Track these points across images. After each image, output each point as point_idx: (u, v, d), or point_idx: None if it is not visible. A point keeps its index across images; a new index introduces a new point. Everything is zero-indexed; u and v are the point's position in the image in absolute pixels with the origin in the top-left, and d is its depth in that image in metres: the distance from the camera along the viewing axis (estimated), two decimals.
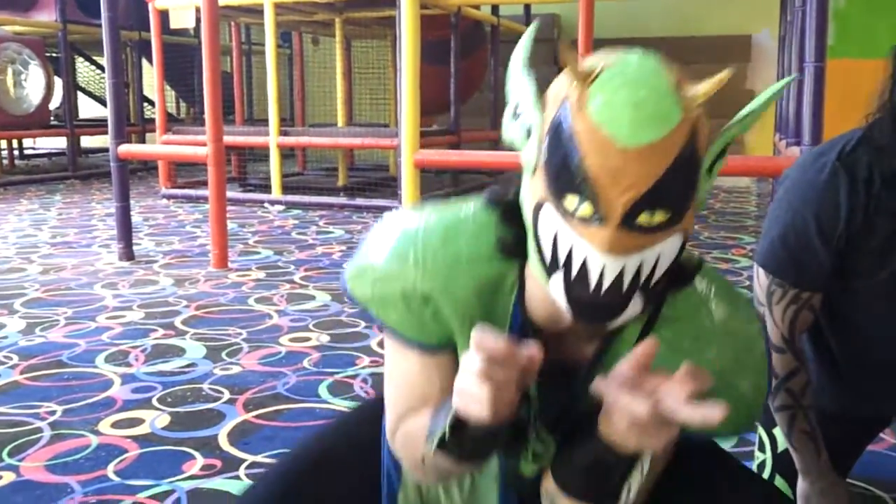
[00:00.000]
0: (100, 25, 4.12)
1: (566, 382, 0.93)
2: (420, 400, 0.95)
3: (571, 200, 0.76)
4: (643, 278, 0.78)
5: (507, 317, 0.92)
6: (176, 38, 8.13)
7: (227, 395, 2.28)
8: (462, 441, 0.82)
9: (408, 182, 3.61)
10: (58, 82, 8.68)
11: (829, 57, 3.05)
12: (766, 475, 1.44)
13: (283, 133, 6.10)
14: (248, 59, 9.55)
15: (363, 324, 2.98)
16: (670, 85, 0.76)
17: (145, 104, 9.30)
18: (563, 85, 0.80)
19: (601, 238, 0.75)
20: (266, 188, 6.39)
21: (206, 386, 2.35)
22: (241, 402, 2.22)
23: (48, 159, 10.31)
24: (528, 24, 8.04)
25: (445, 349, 0.94)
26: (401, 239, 0.93)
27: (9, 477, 1.79)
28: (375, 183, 6.79)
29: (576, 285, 0.79)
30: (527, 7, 8.06)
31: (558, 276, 0.80)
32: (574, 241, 0.77)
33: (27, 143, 10.51)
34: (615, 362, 0.79)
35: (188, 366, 2.52)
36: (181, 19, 6.42)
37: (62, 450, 1.93)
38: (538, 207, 0.80)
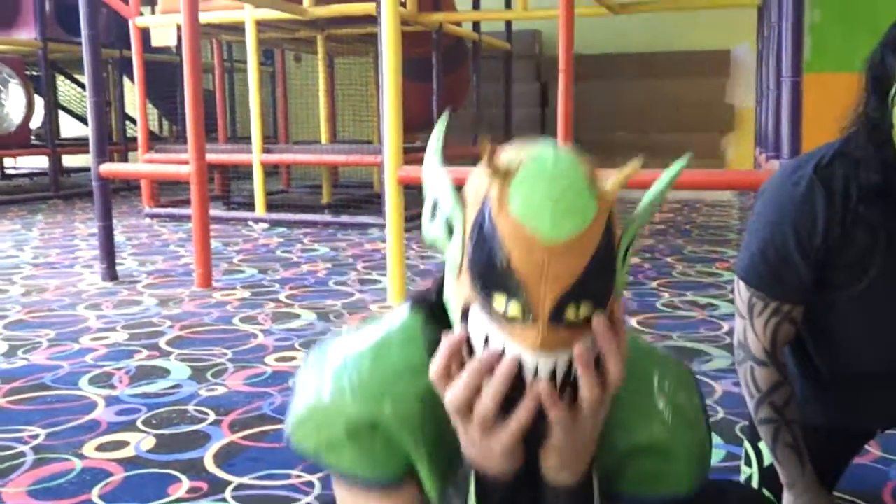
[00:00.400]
0: (80, 43, 4.11)
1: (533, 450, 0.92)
2: None
3: (499, 300, 0.76)
4: (574, 375, 0.78)
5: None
6: (157, 56, 8.12)
7: (212, 416, 2.27)
8: None
9: (392, 198, 3.61)
10: (39, 101, 8.63)
11: (805, 71, 3.10)
12: None
13: (267, 150, 6.10)
14: (230, 76, 9.55)
15: None
16: (585, 179, 0.77)
17: (127, 122, 9.27)
18: (481, 181, 0.79)
19: (532, 337, 0.75)
20: (250, 206, 6.37)
21: (191, 407, 2.33)
22: (227, 424, 2.21)
23: (30, 179, 10.23)
24: (509, 40, 8.10)
25: (407, 482, 0.91)
26: (331, 374, 0.90)
27: None
28: (360, 200, 6.79)
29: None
30: (508, 23, 8.12)
31: None
32: (506, 343, 0.77)
33: (8, 162, 10.43)
34: None
35: (173, 387, 2.51)
36: (162, 37, 6.42)
37: (45, 474, 1.91)
38: (465, 309, 0.80)
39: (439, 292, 0.88)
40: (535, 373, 0.76)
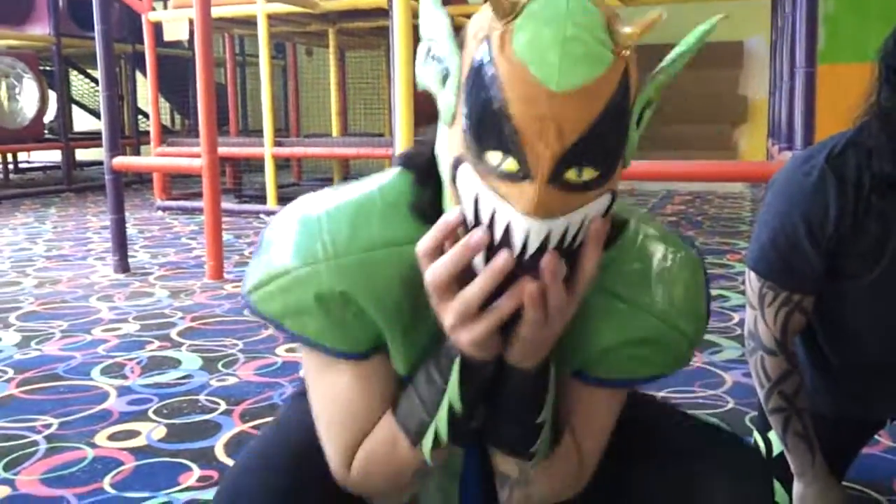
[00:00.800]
0: (93, 38, 4.12)
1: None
2: (365, 419, 0.87)
3: (493, 156, 0.69)
4: (567, 243, 0.71)
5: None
6: (170, 51, 8.15)
7: (223, 406, 2.28)
8: (471, 395, 0.81)
9: None
10: (52, 96, 8.68)
11: (819, 62, 3.08)
12: None
13: (278, 144, 6.11)
14: (242, 70, 9.57)
15: None
16: (601, 22, 0.69)
17: (139, 117, 9.31)
18: (483, 21, 0.71)
19: (526, 198, 0.68)
20: (261, 199, 6.39)
21: (202, 397, 2.35)
22: (238, 413, 2.22)
23: (43, 173, 10.30)
24: None
25: (377, 353, 0.86)
26: (302, 233, 0.83)
27: (4, 491, 1.78)
28: None
29: (497, 252, 0.72)
30: None
31: None
32: (496, 204, 0.70)
33: (22, 156, 10.50)
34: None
35: (184, 377, 2.52)
36: (175, 31, 6.44)
37: (58, 463, 1.92)
38: (456, 164, 0.72)
39: (432, 151, 0.80)
40: (525, 239, 0.70)
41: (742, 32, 8.55)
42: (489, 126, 0.68)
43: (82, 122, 10.94)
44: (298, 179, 8.46)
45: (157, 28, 6.52)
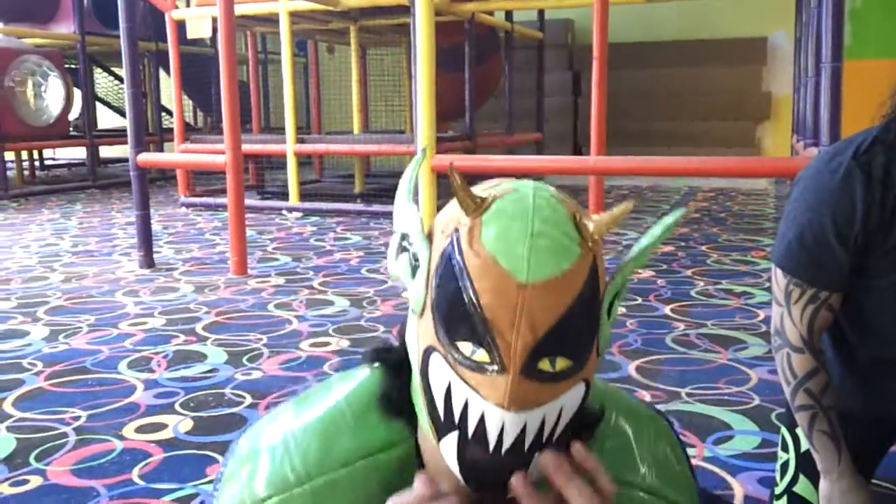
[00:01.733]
0: (118, 36, 4.17)
1: None
2: None
3: (465, 346, 0.67)
4: (545, 436, 0.69)
5: None
6: (193, 48, 8.21)
7: (248, 399, 2.30)
8: None
9: (425, 187, 3.63)
10: (77, 94, 8.78)
11: (845, 57, 3.04)
12: (789, 475, 1.44)
13: (300, 141, 6.14)
14: (264, 67, 9.63)
15: (382, 328, 2.99)
16: (568, 215, 0.70)
17: (163, 114, 9.39)
18: (451, 215, 0.72)
19: (500, 390, 0.66)
20: (283, 196, 6.43)
21: (227, 391, 2.37)
22: (263, 406, 2.24)
23: (68, 169, 10.42)
24: (541, 29, 8.06)
25: None
26: (270, 461, 0.78)
27: (36, 481, 1.81)
28: (392, 189, 6.80)
29: (472, 446, 0.69)
30: (540, 12, 8.08)
31: (452, 437, 0.70)
32: (469, 395, 0.68)
33: (47, 153, 10.63)
34: None
35: (210, 371, 2.55)
36: (198, 29, 6.49)
37: (87, 454, 1.95)
38: (427, 354, 0.71)
39: (402, 345, 0.78)
40: (500, 432, 0.67)
41: (766, 28, 8.48)
42: (459, 317, 0.67)
43: (106, 119, 11.06)
44: (320, 176, 8.50)
45: (181, 26, 6.57)
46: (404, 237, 0.76)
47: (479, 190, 0.73)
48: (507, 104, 7.54)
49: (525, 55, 8.12)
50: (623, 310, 3.21)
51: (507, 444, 0.68)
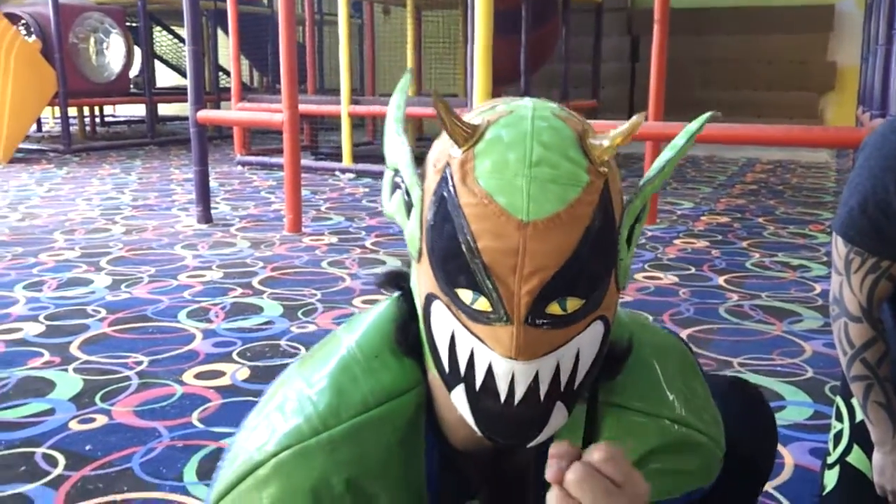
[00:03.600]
0: None
1: (518, 492, 0.80)
2: None
3: (464, 293, 0.61)
4: (563, 382, 0.63)
5: (423, 452, 0.76)
6: (250, 8, 8.27)
7: (303, 351, 2.35)
8: None
9: None
10: (137, 51, 8.92)
11: None
12: (843, 445, 1.43)
13: (355, 102, 6.16)
14: (319, 29, 9.65)
15: None
16: (573, 137, 0.62)
17: (220, 74, 9.50)
18: (444, 147, 0.65)
19: (505, 340, 0.61)
20: (337, 157, 6.48)
21: (283, 342, 2.43)
22: None
23: (127, 126, 10.64)
24: None
25: None
26: (280, 417, 0.74)
27: (102, 420, 1.89)
28: None
29: (482, 398, 0.64)
30: None
31: (460, 390, 0.65)
32: (474, 345, 0.62)
33: (108, 110, 10.85)
34: None
35: (265, 323, 2.61)
36: None
37: (149, 397, 2.03)
38: (428, 302, 0.65)
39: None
40: (511, 384, 0.62)
41: None
42: (457, 262, 0.61)
43: (164, 77, 11.22)
44: (372, 139, 8.53)
45: None
46: (396, 172, 0.70)
47: (473, 115, 0.67)
48: (564, 69, 7.45)
49: (582, 19, 7.99)
50: (675, 278, 3.18)
51: (518, 394, 0.62)
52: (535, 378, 0.62)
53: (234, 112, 6.08)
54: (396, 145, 0.70)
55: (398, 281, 0.77)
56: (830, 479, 1.41)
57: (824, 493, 1.42)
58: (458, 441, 0.76)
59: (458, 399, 0.66)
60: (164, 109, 10.50)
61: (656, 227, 4.23)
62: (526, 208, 0.59)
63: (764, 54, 8.36)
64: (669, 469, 0.79)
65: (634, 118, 0.61)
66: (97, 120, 9.93)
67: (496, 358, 0.61)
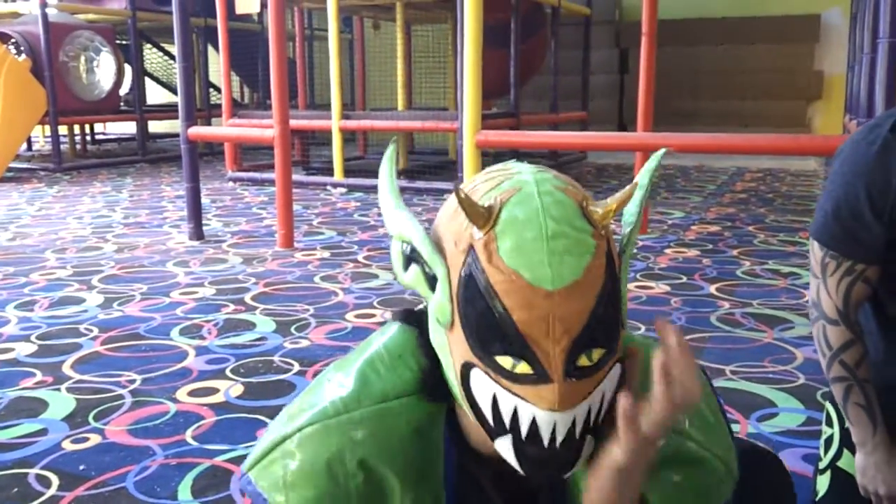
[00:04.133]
0: (167, 12, 4.25)
1: (531, 500, 0.86)
2: None
3: (504, 360, 0.69)
4: (592, 421, 0.72)
5: (440, 455, 0.82)
6: (240, 24, 8.29)
7: (297, 366, 2.35)
8: None
9: (469, 162, 3.63)
10: (127, 69, 8.93)
11: None
12: (833, 450, 1.44)
13: (346, 117, 6.18)
14: (310, 44, 9.68)
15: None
16: (576, 208, 0.70)
17: (210, 90, 9.51)
18: (460, 229, 0.71)
19: (548, 397, 0.69)
20: (328, 171, 6.49)
21: (276, 358, 2.43)
22: (311, 374, 2.29)
23: (118, 144, 10.63)
24: (588, 4, 7.96)
25: None
26: (309, 400, 0.83)
27: (95, 439, 1.89)
28: (435, 166, 6.83)
29: (528, 446, 0.71)
30: None
31: (506, 440, 0.72)
32: (517, 403, 0.70)
33: (98, 128, 10.85)
34: (578, 471, 0.76)
35: (259, 339, 2.61)
36: (247, 4, 6.54)
37: (143, 415, 2.02)
38: (466, 369, 0.72)
39: (426, 316, 0.80)
40: (553, 431, 0.70)
41: (819, 4, 8.28)
42: (493, 334, 0.69)
43: (155, 95, 11.24)
44: (363, 153, 8.55)
45: (230, 1, 6.63)
46: (406, 245, 0.75)
47: (481, 189, 0.73)
48: (553, 82, 7.49)
49: (571, 32, 8.04)
50: (667, 287, 3.20)
51: (560, 439, 0.70)
52: (573, 423, 0.70)
53: (224, 128, 6.08)
54: (403, 220, 0.76)
55: (413, 317, 0.84)
56: (823, 483, 1.42)
57: (817, 499, 1.42)
58: (480, 452, 0.82)
59: (503, 447, 0.73)
60: (155, 127, 10.51)
61: (647, 236, 4.24)
62: (550, 279, 0.67)
63: (751, 64, 8.43)
64: (678, 483, 0.83)
65: (629, 187, 0.71)
66: (88, 138, 9.93)
67: (539, 413, 0.69)
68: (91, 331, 2.71)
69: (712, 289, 3.18)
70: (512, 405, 0.70)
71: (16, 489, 1.65)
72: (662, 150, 0.82)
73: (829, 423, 1.47)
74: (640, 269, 3.52)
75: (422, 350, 0.80)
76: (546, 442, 0.70)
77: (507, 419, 0.71)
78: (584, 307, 0.68)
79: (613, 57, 8.87)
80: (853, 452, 1.40)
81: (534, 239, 0.67)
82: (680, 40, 8.39)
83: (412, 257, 0.75)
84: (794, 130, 7.96)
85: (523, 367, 0.68)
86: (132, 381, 2.25)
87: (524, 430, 0.71)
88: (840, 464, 1.41)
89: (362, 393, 0.80)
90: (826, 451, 1.44)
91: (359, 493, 0.78)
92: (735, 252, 3.87)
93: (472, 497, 0.83)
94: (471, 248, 0.70)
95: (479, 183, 0.75)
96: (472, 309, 0.69)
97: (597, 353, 0.69)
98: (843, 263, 1.30)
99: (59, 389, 2.19)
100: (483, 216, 0.69)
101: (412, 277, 0.75)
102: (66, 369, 2.34)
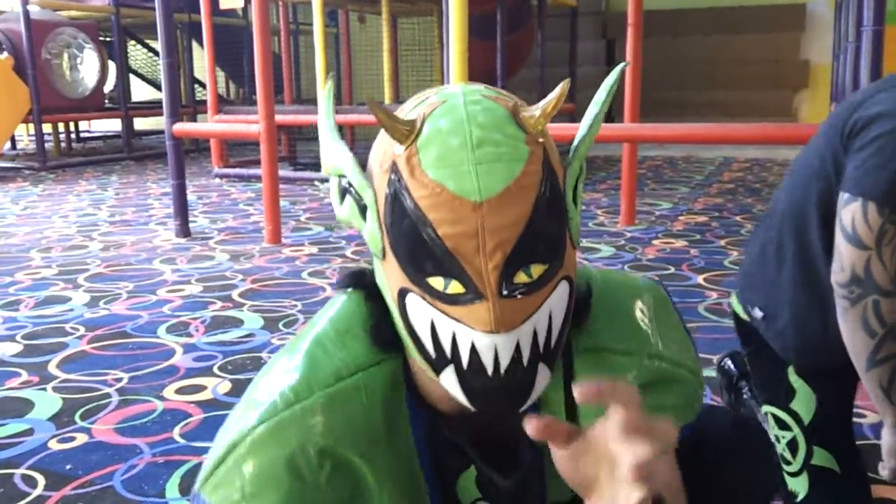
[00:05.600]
0: (151, 8, 4.22)
1: (508, 454, 0.82)
2: None
3: (436, 281, 0.64)
4: (542, 344, 0.67)
5: (407, 421, 0.78)
6: (225, 20, 8.24)
7: None
8: None
9: None
10: (111, 66, 8.86)
11: (888, 22, 2.97)
12: (802, 451, 1.39)
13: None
14: (295, 39, 9.63)
15: None
16: (506, 114, 0.66)
17: (195, 86, 9.45)
18: (386, 147, 0.68)
19: (484, 317, 0.64)
20: (316, 167, 6.46)
21: (264, 355, 2.41)
22: None
23: (103, 141, 10.56)
24: None
25: None
26: (255, 400, 0.76)
27: (82, 438, 1.87)
28: None
29: (471, 376, 0.67)
30: None
31: (450, 371, 0.68)
32: (455, 328, 0.65)
33: (83, 125, 10.77)
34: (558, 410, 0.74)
35: (247, 336, 2.59)
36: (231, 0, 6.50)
37: (130, 414, 2.01)
38: (402, 296, 0.68)
39: (372, 275, 0.76)
40: (496, 356, 0.65)
41: None
42: (422, 253, 0.64)
43: (139, 92, 11.16)
44: (351, 146, 8.50)
45: None
46: (342, 178, 0.72)
47: (407, 110, 0.69)
48: (540, 73, 7.48)
49: (558, 23, 8.03)
50: (655, 278, 3.20)
51: (504, 365, 0.66)
52: (517, 347, 0.65)
53: (210, 124, 6.05)
54: (337, 152, 0.72)
55: (360, 280, 0.79)
56: (800, 485, 1.39)
57: (798, 500, 1.39)
58: (444, 411, 0.78)
59: (448, 381, 0.69)
60: (140, 124, 10.44)
61: (635, 227, 4.25)
62: (477, 189, 0.62)
63: (738, 54, 8.44)
64: (653, 406, 0.79)
65: (561, 84, 0.66)
66: (72, 136, 9.84)
67: (478, 335, 0.65)
68: (77, 330, 2.68)
69: (700, 279, 3.19)
70: (450, 331, 0.66)
71: (1, 490, 1.64)
72: (623, 64, 0.79)
73: (785, 427, 1.42)
74: (629, 261, 3.52)
75: (370, 305, 0.76)
76: (490, 370, 0.66)
77: (447, 347, 0.67)
78: (517, 218, 0.63)
79: (600, 48, 8.88)
80: (825, 446, 1.37)
81: (458, 148, 0.63)
82: (666, 31, 8.40)
83: (346, 189, 0.71)
84: (780, 120, 7.99)
85: (455, 287, 0.64)
86: (119, 380, 2.23)
87: (465, 357, 0.66)
88: (815, 462, 1.37)
89: (312, 378, 0.75)
90: (794, 455, 1.40)
91: (331, 485, 0.74)
92: (723, 242, 3.88)
93: (450, 458, 0.80)
94: (394, 164, 0.66)
95: (406, 104, 0.71)
96: (398, 230, 0.65)
97: (537, 269, 0.64)
98: None
99: (45, 389, 2.17)
100: (404, 131, 0.65)
101: (347, 211, 0.71)
102: (52, 368, 2.32)
